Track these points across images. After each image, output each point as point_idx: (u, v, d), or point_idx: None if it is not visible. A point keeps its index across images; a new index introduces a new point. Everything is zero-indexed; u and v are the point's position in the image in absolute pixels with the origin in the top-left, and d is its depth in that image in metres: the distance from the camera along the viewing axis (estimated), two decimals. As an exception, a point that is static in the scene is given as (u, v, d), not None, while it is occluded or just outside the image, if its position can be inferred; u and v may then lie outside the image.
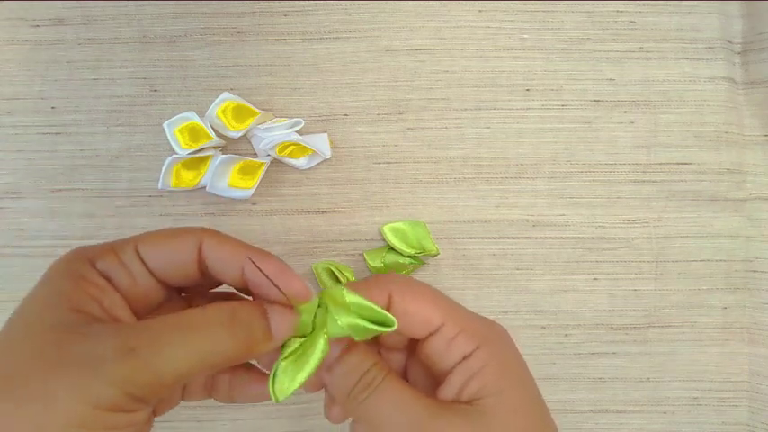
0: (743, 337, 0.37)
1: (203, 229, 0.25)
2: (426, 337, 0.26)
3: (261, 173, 0.35)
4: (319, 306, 0.25)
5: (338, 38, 0.37)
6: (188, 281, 0.25)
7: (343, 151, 0.37)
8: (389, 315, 0.24)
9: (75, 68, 0.37)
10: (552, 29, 0.37)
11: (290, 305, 0.24)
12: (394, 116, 0.37)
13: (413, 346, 0.28)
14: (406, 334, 0.26)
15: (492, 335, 0.26)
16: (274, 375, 0.24)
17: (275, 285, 0.23)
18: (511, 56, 0.37)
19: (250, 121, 0.35)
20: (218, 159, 0.34)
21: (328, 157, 0.36)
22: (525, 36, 0.38)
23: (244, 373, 0.27)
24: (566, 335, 0.37)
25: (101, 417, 0.19)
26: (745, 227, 0.37)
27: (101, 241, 0.36)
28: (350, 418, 0.27)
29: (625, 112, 0.37)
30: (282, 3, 0.37)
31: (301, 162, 0.36)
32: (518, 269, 0.37)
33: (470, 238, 0.37)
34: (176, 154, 0.35)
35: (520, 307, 0.37)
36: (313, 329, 0.25)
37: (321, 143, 0.36)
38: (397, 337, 0.28)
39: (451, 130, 0.37)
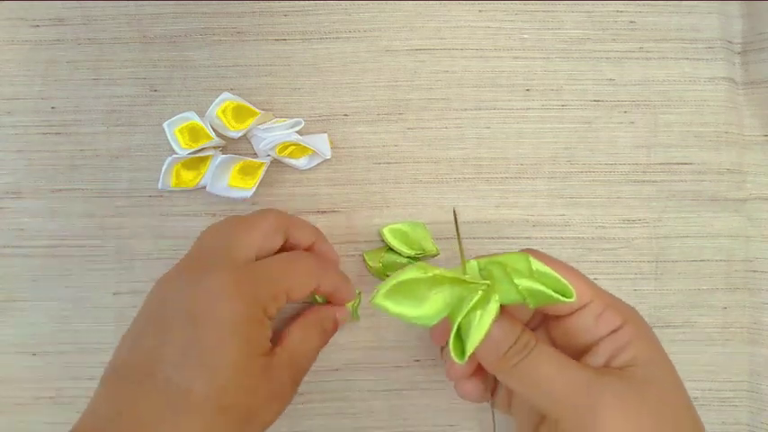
0: (743, 337, 0.37)
1: (323, 269, 0.32)
2: (572, 313, 0.28)
3: (261, 173, 0.35)
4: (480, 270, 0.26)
5: (338, 38, 0.37)
6: None
7: (343, 151, 0.37)
8: (569, 286, 0.25)
9: (75, 68, 0.37)
10: (552, 29, 0.38)
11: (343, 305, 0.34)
12: (394, 116, 0.37)
13: (538, 322, 0.31)
14: (558, 309, 0.28)
15: (634, 313, 0.29)
16: (454, 337, 0.25)
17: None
18: (511, 56, 0.37)
19: (250, 122, 0.35)
20: (218, 159, 0.34)
21: (328, 157, 0.36)
22: (525, 36, 0.38)
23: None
24: (566, 335, 0.37)
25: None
26: (745, 227, 0.37)
27: (100, 242, 0.36)
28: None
29: (625, 112, 0.37)
30: (282, 3, 0.37)
31: (301, 162, 0.36)
32: (518, 269, 0.37)
33: (470, 238, 0.37)
34: (176, 154, 0.35)
35: (520, 307, 0.37)
36: (489, 285, 0.26)
37: (321, 143, 0.36)
38: (527, 312, 0.30)
39: (451, 130, 0.37)
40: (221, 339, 0.26)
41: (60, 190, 0.36)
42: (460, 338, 0.26)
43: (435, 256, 0.36)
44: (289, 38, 0.37)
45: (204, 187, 0.35)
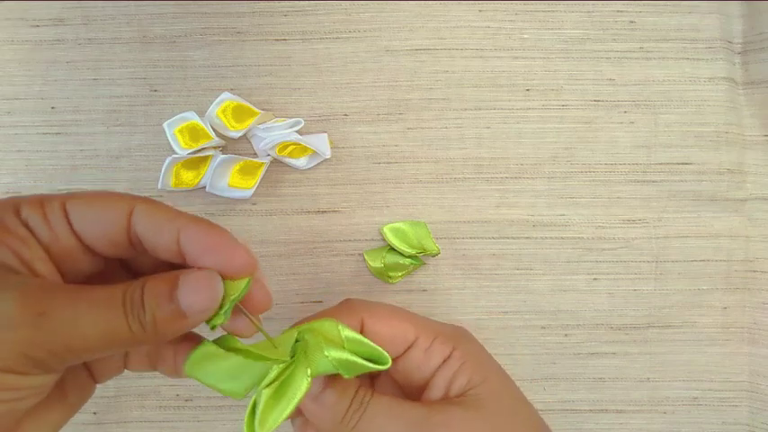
0: (743, 337, 0.37)
1: (136, 196, 0.22)
2: (402, 354, 0.27)
3: (261, 173, 0.35)
4: (297, 341, 0.25)
5: (338, 38, 0.37)
6: (118, 251, 0.22)
7: (343, 151, 0.37)
8: (384, 353, 0.24)
9: (75, 68, 0.37)
10: (552, 29, 0.37)
11: (217, 276, 0.21)
12: (394, 116, 0.37)
13: (388, 373, 0.29)
14: (390, 351, 0.26)
15: (462, 336, 0.28)
16: (253, 407, 0.23)
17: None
18: (511, 56, 0.37)
19: (250, 121, 0.35)
20: (218, 159, 0.34)
21: (328, 157, 0.36)
22: (525, 36, 0.38)
23: (188, 347, 0.23)
24: (566, 335, 0.37)
25: None
26: (745, 227, 0.37)
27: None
28: None
29: (625, 112, 0.37)
30: (282, 3, 0.37)
31: (301, 162, 0.36)
32: (518, 269, 0.37)
33: (470, 238, 0.37)
34: (176, 154, 0.35)
35: (520, 307, 0.37)
36: (292, 361, 0.24)
37: (321, 143, 0.36)
38: None
39: (451, 130, 0.37)
40: None
41: (60, 190, 0.36)
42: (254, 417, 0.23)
43: (436, 255, 0.36)
44: (289, 38, 0.37)
45: (204, 187, 0.35)
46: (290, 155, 0.36)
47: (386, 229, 0.36)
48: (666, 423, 0.37)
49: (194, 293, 0.21)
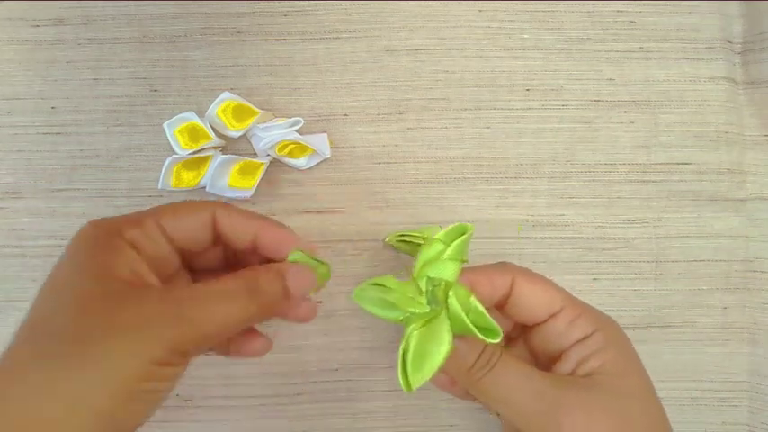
0: (743, 336, 0.37)
1: (216, 202, 0.28)
2: (545, 320, 0.28)
3: (260, 173, 0.35)
4: (435, 285, 0.26)
5: (338, 38, 0.37)
6: (204, 246, 0.28)
7: (342, 151, 0.37)
8: (498, 328, 0.25)
9: (75, 68, 0.37)
10: (552, 29, 0.38)
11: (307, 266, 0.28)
12: (394, 116, 0.37)
13: (516, 333, 0.31)
14: (526, 316, 0.29)
15: (609, 322, 0.29)
16: (404, 358, 0.25)
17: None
18: (511, 56, 0.37)
19: (250, 121, 0.35)
20: (218, 159, 0.34)
21: (328, 156, 0.36)
22: (525, 36, 0.38)
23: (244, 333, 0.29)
24: (566, 335, 0.37)
25: (154, 371, 0.22)
26: (745, 227, 0.37)
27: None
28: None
29: (625, 111, 0.37)
30: (282, 3, 0.37)
31: (301, 162, 0.36)
32: (518, 269, 0.37)
33: (471, 238, 0.37)
34: (176, 154, 0.35)
35: (520, 307, 0.37)
36: (431, 310, 0.26)
37: (321, 143, 0.36)
38: (507, 322, 0.30)
39: (451, 130, 0.37)
40: (62, 265, 0.25)
41: (60, 190, 0.36)
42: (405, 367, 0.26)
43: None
44: (289, 38, 0.37)
45: (204, 187, 0.35)
46: (290, 155, 0.36)
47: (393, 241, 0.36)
48: (666, 423, 0.38)
49: (299, 281, 0.27)
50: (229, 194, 0.35)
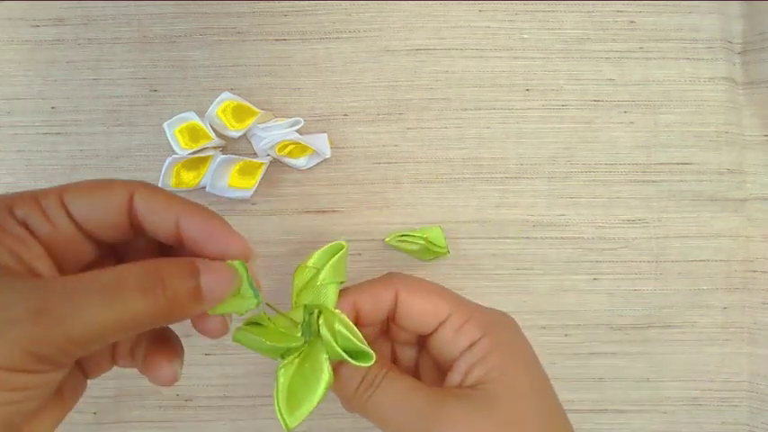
0: (743, 337, 0.37)
1: (135, 181, 0.23)
2: (435, 330, 0.27)
3: (260, 173, 0.35)
4: (311, 314, 0.26)
5: (338, 38, 0.37)
6: (119, 235, 0.23)
7: (342, 151, 0.37)
8: (370, 351, 0.25)
9: (75, 68, 0.37)
10: (552, 29, 0.38)
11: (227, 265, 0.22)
12: (394, 116, 0.37)
13: (423, 341, 0.29)
14: (416, 328, 0.28)
15: (498, 323, 0.28)
16: (278, 394, 0.25)
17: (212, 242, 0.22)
18: (511, 56, 0.37)
19: (250, 121, 0.35)
20: (218, 159, 0.34)
21: (328, 156, 0.36)
22: (525, 36, 0.38)
23: (156, 350, 0.24)
24: (566, 335, 0.37)
25: (4, 378, 0.18)
26: (744, 227, 0.37)
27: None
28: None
29: (625, 112, 0.37)
30: (282, 3, 0.37)
31: (301, 162, 0.36)
32: (518, 269, 0.37)
33: (470, 238, 0.37)
34: (176, 154, 0.35)
35: (520, 307, 0.37)
36: (306, 342, 0.26)
37: (321, 143, 0.36)
38: (406, 333, 0.29)
39: (451, 130, 0.37)
40: None
41: (60, 190, 0.36)
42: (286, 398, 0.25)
43: (444, 255, 0.36)
44: (289, 38, 0.37)
45: (204, 187, 0.35)
46: (290, 155, 0.36)
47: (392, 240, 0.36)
48: (666, 423, 0.38)
49: (216, 280, 0.21)
50: (229, 194, 0.35)
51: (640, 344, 0.37)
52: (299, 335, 0.25)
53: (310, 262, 0.27)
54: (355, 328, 0.25)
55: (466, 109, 0.37)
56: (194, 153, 0.35)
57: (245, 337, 0.25)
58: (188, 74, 0.37)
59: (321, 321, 0.25)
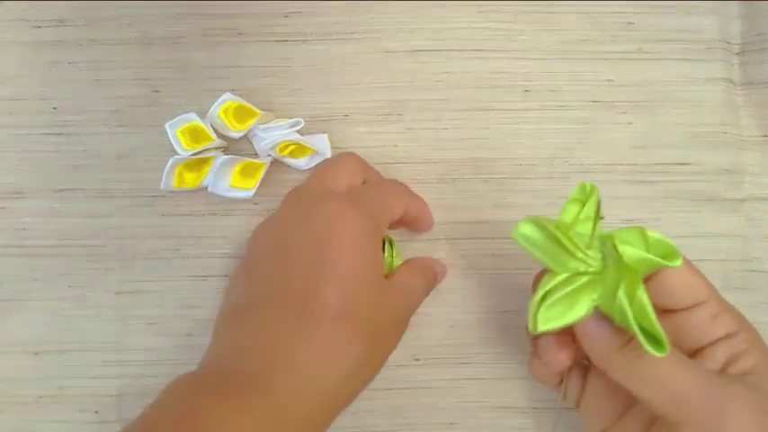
0: (741, 336, 0.37)
1: (409, 192, 0.34)
2: (685, 309, 0.27)
3: (261, 173, 0.35)
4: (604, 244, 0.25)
5: (338, 39, 0.37)
6: None
7: (343, 151, 0.37)
8: (676, 249, 0.24)
9: (76, 69, 0.37)
10: (551, 30, 0.38)
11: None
12: (393, 117, 0.37)
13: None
14: (672, 301, 0.27)
15: (749, 324, 0.27)
16: (544, 296, 0.25)
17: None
18: (510, 57, 0.38)
19: (251, 122, 0.35)
20: (220, 160, 0.34)
21: (329, 157, 0.36)
22: (524, 37, 0.38)
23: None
24: (565, 334, 0.37)
25: None
26: (743, 227, 0.38)
27: (102, 242, 0.36)
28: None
29: (623, 112, 0.38)
30: (283, 4, 0.37)
31: (302, 162, 0.36)
32: (518, 269, 0.37)
33: (470, 239, 0.37)
34: (178, 155, 0.35)
35: (520, 307, 0.37)
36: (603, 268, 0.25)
37: (321, 143, 0.36)
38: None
39: (450, 131, 0.37)
40: (346, 254, 0.27)
41: (62, 190, 0.36)
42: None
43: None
44: (289, 39, 0.37)
45: (206, 188, 0.36)
46: (291, 155, 0.36)
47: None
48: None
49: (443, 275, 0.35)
50: (231, 195, 0.35)
51: (639, 343, 0.37)
52: (600, 257, 0.25)
53: (571, 197, 0.27)
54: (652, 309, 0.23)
55: (465, 110, 0.37)
56: (196, 154, 0.35)
57: (534, 231, 0.25)
58: (189, 75, 0.37)
59: (618, 246, 0.24)
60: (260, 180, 0.35)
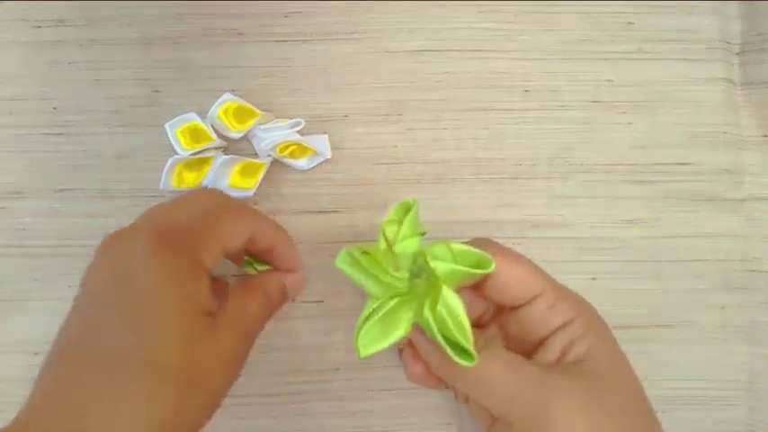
0: (741, 336, 0.37)
1: (255, 217, 0.30)
2: (524, 304, 0.27)
3: (261, 173, 0.35)
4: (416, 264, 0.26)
5: (338, 39, 0.37)
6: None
7: (343, 152, 0.37)
8: (487, 255, 0.25)
9: (76, 69, 0.37)
10: (551, 30, 0.38)
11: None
12: (393, 117, 0.37)
13: (499, 321, 0.29)
14: (504, 299, 0.27)
15: (588, 307, 0.28)
16: (359, 330, 0.25)
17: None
18: (509, 57, 0.38)
19: (251, 122, 0.35)
20: (220, 160, 0.34)
21: (328, 157, 0.36)
22: (524, 37, 0.38)
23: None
24: (565, 334, 0.37)
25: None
26: (743, 227, 0.38)
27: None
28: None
29: (623, 112, 0.38)
30: (283, 4, 0.37)
31: (302, 162, 0.36)
32: (517, 269, 0.37)
33: (470, 239, 0.37)
34: (178, 155, 0.35)
35: (519, 306, 0.37)
36: (403, 294, 0.26)
37: (321, 144, 0.36)
38: (484, 312, 0.29)
39: (450, 131, 0.37)
40: (151, 295, 0.24)
41: (62, 190, 0.36)
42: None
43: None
44: (289, 39, 0.37)
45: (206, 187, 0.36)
46: (291, 155, 0.36)
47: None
48: (665, 422, 0.37)
49: (295, 290, 0.32)
50: (231, 195, 0.35)
51: (639, 343, 0.37)
52: (407, 276, 0.25)
53: (387, 220, 0.27)
54: (466, 319, 0.24)
55: (465, 110, 0.37)
56: (196, 154, 0.35)
57: (349, 261, 0.26)
58: (189, 75, 0.37)
59: (431, 263, 0.25)
60: (260, 180, 0.35)
